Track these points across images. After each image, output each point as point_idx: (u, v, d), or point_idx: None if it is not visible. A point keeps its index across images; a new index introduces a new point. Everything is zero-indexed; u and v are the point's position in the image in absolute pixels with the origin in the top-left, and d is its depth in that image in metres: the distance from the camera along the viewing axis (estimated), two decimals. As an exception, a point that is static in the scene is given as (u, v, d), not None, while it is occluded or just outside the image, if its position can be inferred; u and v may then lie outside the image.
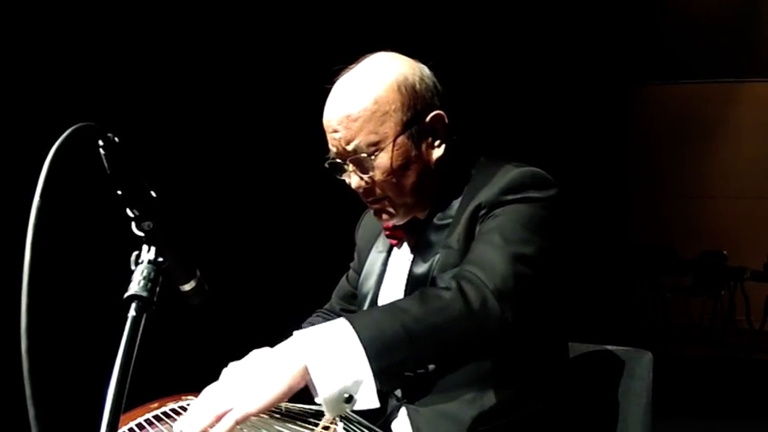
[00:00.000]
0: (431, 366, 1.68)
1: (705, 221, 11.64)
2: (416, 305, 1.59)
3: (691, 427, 6.45)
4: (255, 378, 1.51)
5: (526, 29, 9.07)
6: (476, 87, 7.59)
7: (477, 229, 1.89)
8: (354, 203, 2.29)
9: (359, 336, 1.51)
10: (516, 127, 8.21)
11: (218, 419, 1.48)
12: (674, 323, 10.54)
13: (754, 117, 11.76)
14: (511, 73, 8.74)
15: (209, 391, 1.62)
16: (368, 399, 1.50)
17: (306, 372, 1.49)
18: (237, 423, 1.47)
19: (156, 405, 1.92)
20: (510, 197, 1.87)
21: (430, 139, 1.99)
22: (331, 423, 1.80)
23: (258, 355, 1.67)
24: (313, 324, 2.32)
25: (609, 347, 2.27)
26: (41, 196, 1.16)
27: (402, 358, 1.55)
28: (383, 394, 1.60)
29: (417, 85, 1.95)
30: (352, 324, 1.53)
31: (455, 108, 2.04)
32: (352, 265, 2.47)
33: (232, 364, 1.88)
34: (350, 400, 1.49)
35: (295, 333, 1.57)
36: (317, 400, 1.51)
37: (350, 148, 1.92)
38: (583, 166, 9.62)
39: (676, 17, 11.36)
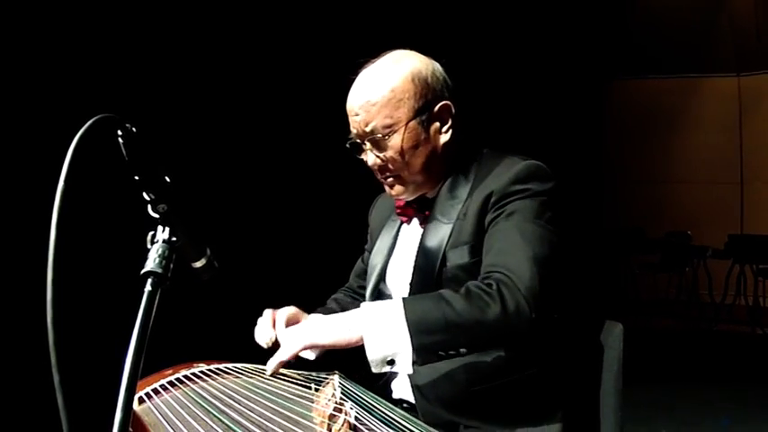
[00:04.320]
0: (463, 350, 1.77)
1: (671, 204, 11.65)
2: (461, 300, 1.73)
3: (657, 393, 6.47)
4: (326, 327, 1.78)
5: (510, 31, 9.08)
6: (468, 83, 7.59)
7: (490, 216, 1.98)
8: (365, 192, 2.36)
9: (406, 316, 1.70)
10: (499, 119, 8.19)
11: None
12: (642, 297, 10.55)
13: (714, 108, 11.77)
14: (496, 70, 8.75)
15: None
16: (404, 366, 1.72)
17: (361, 338, 1.72)
18: (304, 348, 1.78)
19: (170, 372, 1.92)
20: (518, 187, 1.97)
21: (438, 125, 2.09)
22: (329, 385, 1.81)
23: (332, 315, 1.85)
24: (337, 299, 2.52)
25: (583, 320, 2.28)
26: (66, 181, 1.16)
27: (438, 341, 1.72)
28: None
29: (429, 79, 2.07)
30: (404, 306, 1.72)
31: (462, 101, 2.12)
32: (366, 246, 2.54)
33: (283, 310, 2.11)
34: (391, 363, 1.71)
35: (363, 304, 1.81)
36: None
37: (368, 129, 2.04)
38: (560, 155, 9.58)
39: (644, 18, 11.35)
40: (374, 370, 1.72)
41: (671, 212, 11.46)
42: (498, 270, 1.80)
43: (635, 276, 10.75)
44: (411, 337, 1.68)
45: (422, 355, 1.71)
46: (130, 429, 1.16)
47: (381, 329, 1.70)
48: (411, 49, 2.15)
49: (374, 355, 1.70)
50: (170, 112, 5.04)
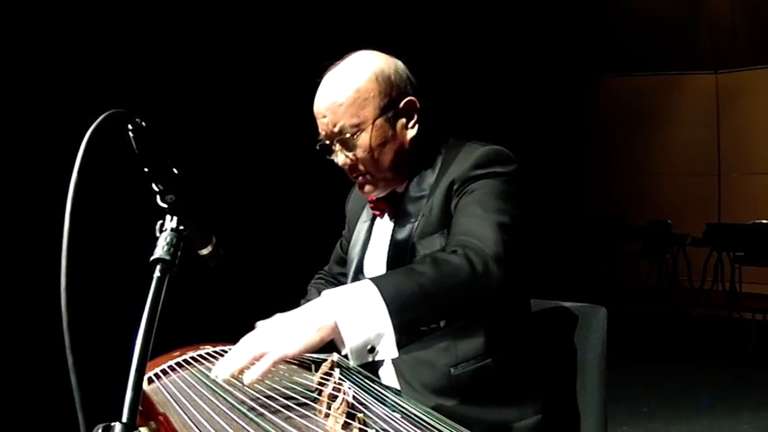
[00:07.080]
0: (442, 322, 1.70)
1: (653, 194, 11.65)
2: (431, 269, 1.59)
3: (639, 373, 6.49)
4: (292, 328, 1.51)
5: (500, 30, 9.07)
6: (457, 80, 7.60)
7: (455, 201, 1.93)
8: (343, 185, 2.34)
9: (382, 295, 1.51)
10: (492, 115, 8.19)
11: (256, 361, 1.49)
12: (625, 283, 10.57)
13: (694, 104, 11.79)
14: (486, 68, 8.74)
15: (246, 337, 1.57)
16: (388, 350, 1.51)
17: (336, 326, 1.50)
18: (275, 364, 1.49)
19: (177, 353, 1.93)
20: (479, 172, 1.92)
21: (404, 121, 2.06)
22: (329, 370, 1.81)
23: (293, 312, 1.59)
24: (317, 285, 2.43)
25: (569, 304, 2.29)
26: (79, 172, 1.16)
27: (419, 314, 1.56)
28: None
29: (392, 77, 2.03)
30: (376, 284, 1.53)
31: (428, 96, 2.09)
32: (344, 233, 2.52)
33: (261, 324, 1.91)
34: (373, 350, 1.50)
35: (324, 292, 1.56)
36: (343, 351, 1.51)
37: (336, 129, 1.99)
38: (548, 148, 9.67)
39: (628, 18, 11.35)
40: (354, 362, 1.51)
41: (653, 202, 11.46)
42: (464, 239, 1.74)
43: (618, 263, 10.76)
44: (391, 316, 1.49)
45: (404, 333, 1.52)
46: (140, 408, 1.17)
47: (357, 315, 1.50)
48: (376, 49, 2.11)
49: (354, 343, 1.48)
50: (176, 109, 5.04)
